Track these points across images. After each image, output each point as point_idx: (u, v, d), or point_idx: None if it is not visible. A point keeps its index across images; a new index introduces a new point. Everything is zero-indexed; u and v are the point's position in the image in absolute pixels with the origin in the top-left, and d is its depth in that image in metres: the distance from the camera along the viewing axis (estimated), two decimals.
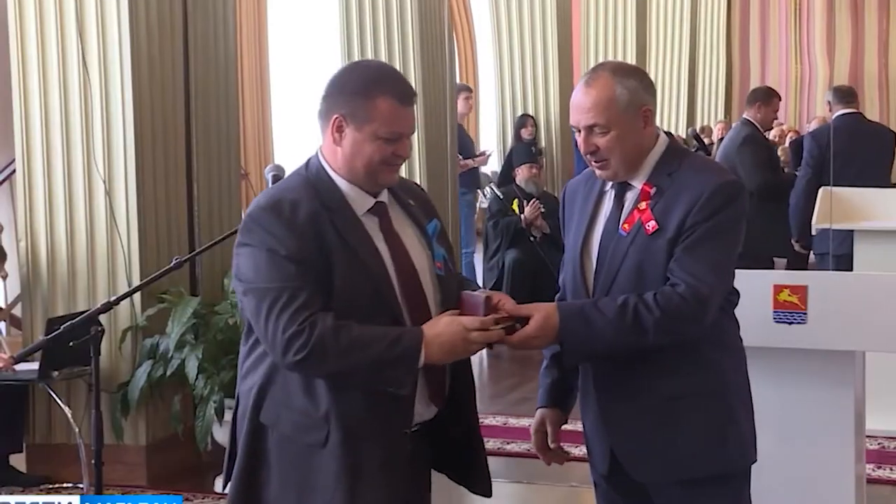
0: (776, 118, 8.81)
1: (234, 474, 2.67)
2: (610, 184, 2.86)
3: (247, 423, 2.64)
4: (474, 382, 2.80)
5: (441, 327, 2.52)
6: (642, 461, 2.80)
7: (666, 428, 2.77)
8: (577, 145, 2.88)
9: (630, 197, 2.81)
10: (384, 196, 2.69)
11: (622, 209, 2.81)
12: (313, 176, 2.64)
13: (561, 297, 2.99)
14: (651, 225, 2.73)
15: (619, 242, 2.77)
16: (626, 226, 2.77)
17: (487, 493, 2.79)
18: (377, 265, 2.58)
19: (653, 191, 2.77)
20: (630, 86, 2.77)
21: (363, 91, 2.58)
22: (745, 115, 7.92)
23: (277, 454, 2.61)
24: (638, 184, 2.81)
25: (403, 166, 2.56)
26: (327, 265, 2.52)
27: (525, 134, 11.39)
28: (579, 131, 2.79)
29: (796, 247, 7.70)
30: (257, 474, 2.63)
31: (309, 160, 2.71)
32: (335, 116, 2.61)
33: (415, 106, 2.64)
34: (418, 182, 7.93)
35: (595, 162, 2.80)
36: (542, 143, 11.67)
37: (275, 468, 2.61)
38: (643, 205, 2.76)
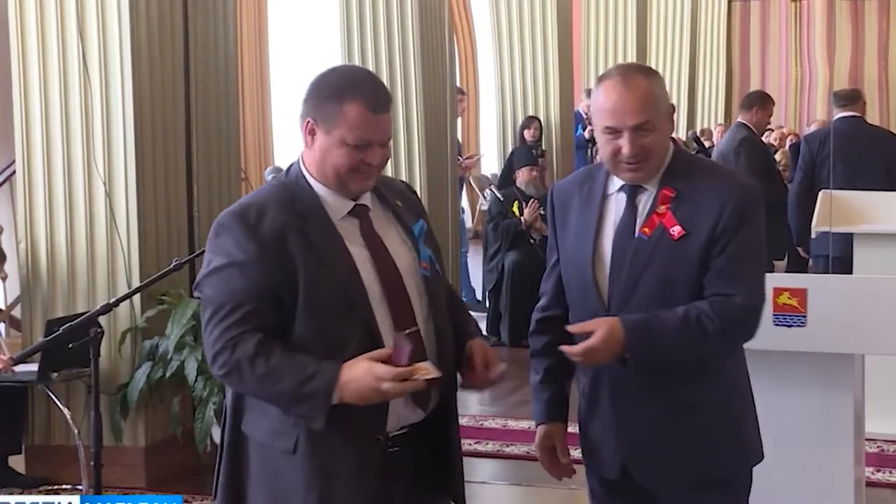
0: (769, 122, 8.86)
1: (220, 483, 2.67)
2: (618, 186, 2.81)
3: (227, 433, 2.65)
4: (457, 386, 2.74)
5: (356, 372, 2.45)
6: (655, 466, 2.79)
7: (680, 432, 2.77)
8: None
9: (644, 200, 2.78)
10: (367, 198, 2.66)
11: (635, 212, 2.78)
12: (291, 181, 2.64)
13: (547, 305, 2.95)
14: (676, 230, 2.71)
15: (641, 246, 2.73)
16: (646, 230, 2.74)
17: (462, 502, 2.74)
18: (347, 271, 2.54)
19: (673, 195, 2.74)
20: (661, 83, 2.79)
21: (334, 95, 2.55)
22: (740, 119, 7.93)
23: (256, 462, 2.61)
24: (651, 187, 2.78)
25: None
26: (291, 273, 2.50)
27: (528, 136, 11.39)
28: (616, 133, 2.72)
29: (800, 251, 7.71)
30: (240, 483, 2.63)
31: (291, 165, 2.72)
32: (307, 120, 2.59)
33: (389, 113, 2.59)
34: (419, 183, 7.99)
35: (632, 164, 2.73)
36: (543, 146, 11.66)
37: (254, 476, 2.61)
38: (662, 209, 2.74)
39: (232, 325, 2.49)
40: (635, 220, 2.77)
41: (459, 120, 10.49)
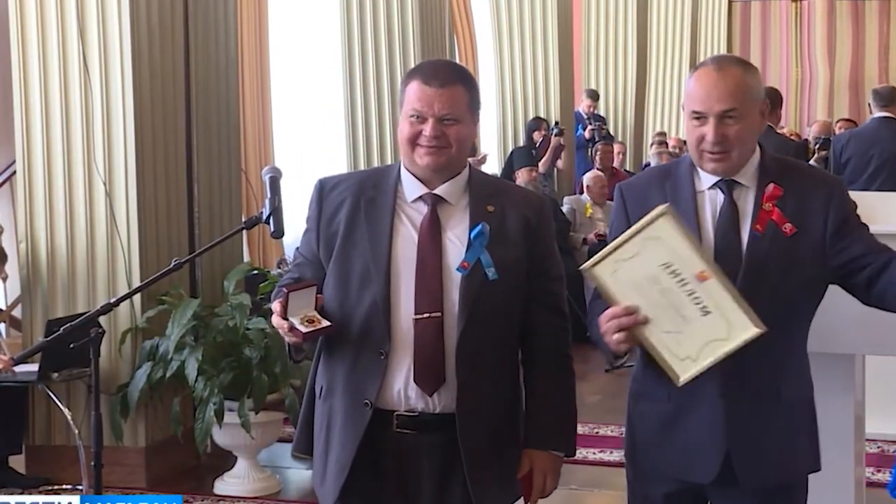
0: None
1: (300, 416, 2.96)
2: (710, 183, 2.77)
3: (310, 376, 2.92)
4: (506, 392, 2.77)
5: None
6: (757, 465, 2.76)
7: (779, 431, 2.77)
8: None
9: (743, 197, 2.76)
10: (451, 193, 2.76)
11: (736, 209, 2.75)
12: (392, 165, 2.87)
13: None
14: (788, 227, 2.71)
15: (756, 243, 2.71)
16: (758, 227, 2.72)
17: None
18: (378, 247, 2.71)
19: (781, 193, 2.72)
20: (757, 77, 2.76)
21: (404, 80, 2.79)
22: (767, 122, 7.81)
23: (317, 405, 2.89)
24: (749, 183, 2.76)
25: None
26: (332, 239, 2.77)
27: (538, 137, 11.39)
28: (702, 119, 2.70)
29: None
30: (311, 421, 2.90)
31: None
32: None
33: (450, 90, 2.69)
34: None
35: (715, 154, 2.71)
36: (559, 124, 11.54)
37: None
38: (769, 206, 2.72)
39: (287, 272, 2.93)
40: (738, 216, 2.74)
41: None
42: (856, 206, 2.81)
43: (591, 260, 2.60)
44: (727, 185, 2.75)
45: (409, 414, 2.70)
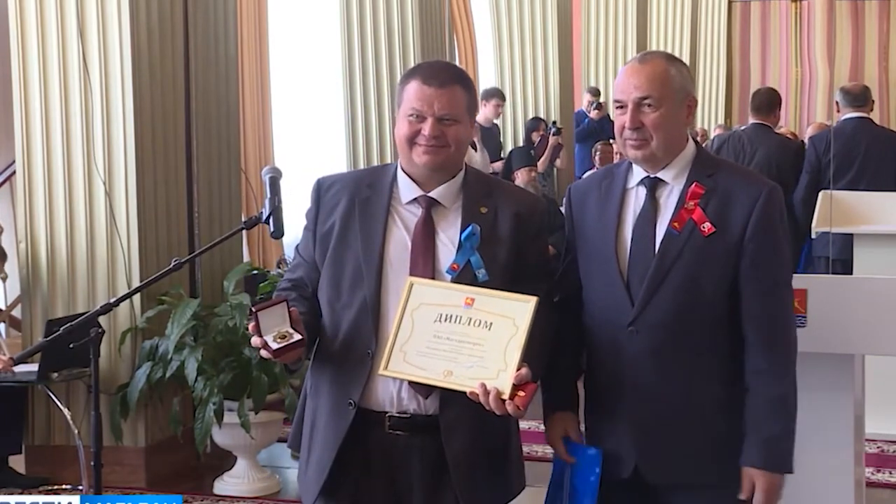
0: None
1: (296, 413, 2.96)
2: (636, 181, 2.81)
3: (306, 378, 2.94)
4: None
5: None
6: (669, 465, 2.77)
7: (695, 431, 2.76)
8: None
9: (665, 194, 2.78)
10: (447, 196, 2.76)
11: (656, 206, 2.78)
12: (389, 165, 2.87)
13: (576, 297, 2.87)
14: (707, 226, 2.72)
15: (671, 241, 2.73)
16: (676, 225, 2.74)
17: None
18: (371, 248, 2.71)
19: (703, 191, 2.74)
20: (682, 71, 2.79)
21: (402, 80, 2.79)
22: (760, 121, 7.61)
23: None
24: (673, 181, 2.78)
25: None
26: (327, 240, 2.77)
27: (536, 137, 11.39)
28: (621, 107, 2.76)
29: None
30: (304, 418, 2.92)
31: None
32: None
33: (450, 91, 2.70)
34: None
35: (634, 140, 2.75)
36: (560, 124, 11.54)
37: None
38: (691, 204, 2.74)
39: (289, 271, 2.93)
40: (656, 213, 2.77)
41: None
42: (784, 216, 2.80)
43: (382, 363, 2.64)
44: (650, 183, 2.79)
45: (400, 416, 2.69)
